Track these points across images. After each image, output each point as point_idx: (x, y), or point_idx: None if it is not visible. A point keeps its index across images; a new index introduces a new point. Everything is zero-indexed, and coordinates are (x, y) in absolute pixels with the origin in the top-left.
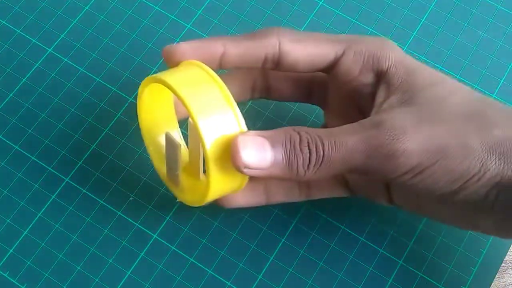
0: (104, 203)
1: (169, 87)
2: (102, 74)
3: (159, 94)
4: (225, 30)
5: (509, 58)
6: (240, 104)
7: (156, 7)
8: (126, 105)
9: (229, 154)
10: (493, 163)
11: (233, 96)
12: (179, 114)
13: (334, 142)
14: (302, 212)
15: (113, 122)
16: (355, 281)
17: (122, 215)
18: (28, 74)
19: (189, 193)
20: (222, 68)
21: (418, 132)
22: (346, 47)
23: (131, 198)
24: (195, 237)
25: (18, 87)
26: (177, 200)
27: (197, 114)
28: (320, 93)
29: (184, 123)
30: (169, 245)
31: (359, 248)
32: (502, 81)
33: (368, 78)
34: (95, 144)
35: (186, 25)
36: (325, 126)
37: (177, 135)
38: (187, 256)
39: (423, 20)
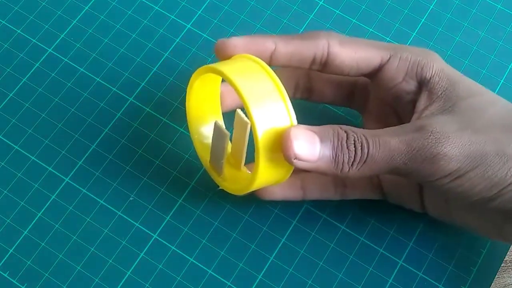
0: (104, 203)
1: (225, 77)
2: (102, 74)
3: (208, 85)
4: (225, 30)
5: (509, 58)
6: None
7: (156, 7)
8: (126, 105)
9: (278, 146)
10: None
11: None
12: (224, 107)
13: (379, 141)
14: (302, 212)
15: (113, 122)
16: (355, 281)
17: (122, 215)
18: (28, 74)
19: (231, 182)
20: (271, 64)
21: (459, 137)
22: (392, 53)
23: (131, 198)
24: (195, 237)
25: (18, 87)
26: (219, 187)
27: (251, 104)
28: (361, 98)
29: (226, 115)
30: (169, 245)
31: (359, 248)
32: (502, 81)
33: (411, 85)
34: (95, 144)
35: (186, 25)
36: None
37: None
38: (187, 256)
39: (423, 20)
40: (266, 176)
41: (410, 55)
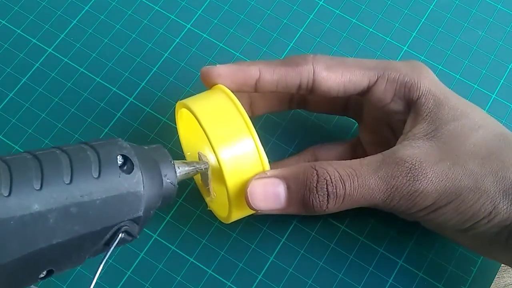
0: None
1: (195, 116)
2: (102, 74)
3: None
4: (225, 30)
5: (509, 58)
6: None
7: (156, 7)
8: (126, 105)
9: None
10: (505, 207)
11: (270, 107)
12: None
13: (357, 181)
14: None
15: (113, 122)
16: (355, 281)
17: None
18: (28, 74)
19: (218, 206)
20: (257, 92)
21: (436, 172)
22: (379, 75)
23: None
24: (195, 237)
25: (18, 87)
26: (208, 208)
27: (220, 151)
28: (356, 108)
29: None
30: (169, 245)
31: (359, 248)
32: (502, 81)
33: (399, 105)
34: None
35: (186, 25)
36: (358, 139)
37: (209, 153)
38: (187, 256)
39: (423, 20)
40: (241, 212)
41: (398, 75)
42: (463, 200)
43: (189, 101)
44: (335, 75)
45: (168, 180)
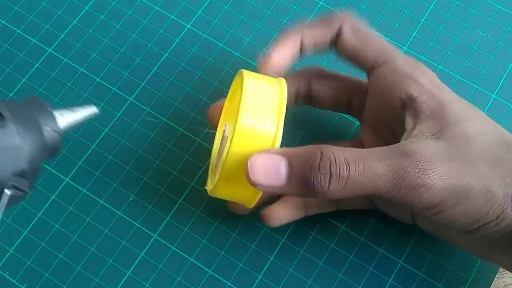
0: (104, 203)
1: (242, 85)
2: (102, 74)
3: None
4: (225, 30)
5: (509, 58)
6: None
7: (156, 7)
8: (126, 105)
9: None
10: None
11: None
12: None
13: (363, 165)
14: None
15: (113, 122)
16: (355, 281)
17: (122, 215)
18: (28, 74)
19: (213, 180)
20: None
21: (445, 169)
22: (386, 60)
23: (131, 198)
24: (195, 237)
25: (18, 87)
26: (205, 187)
27: (241, 118)
28: (359, 106)
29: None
30: (169, 245)
31: (359, 248)
32: (502, 81)
33: (399, 101)
34: (95, 144)
35: (186, 25)
36: (360, 139)
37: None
38: (187, 256)
39: (423, 20)
40: (226, 189)
41: (402, 66)
42: (472, 202)
43: (248, 73)
44: (354, 39)
45: (48, 128)
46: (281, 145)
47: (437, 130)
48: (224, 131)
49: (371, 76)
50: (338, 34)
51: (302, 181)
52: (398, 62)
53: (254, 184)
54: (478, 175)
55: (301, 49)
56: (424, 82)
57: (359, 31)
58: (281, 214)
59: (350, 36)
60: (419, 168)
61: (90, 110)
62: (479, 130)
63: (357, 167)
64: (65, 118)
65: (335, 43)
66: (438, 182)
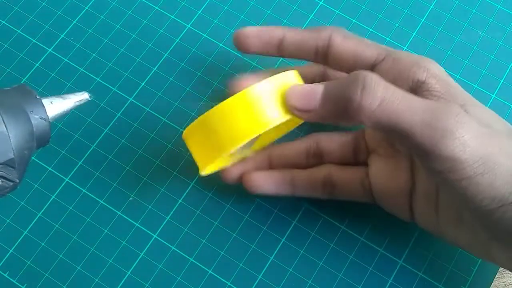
0: (104, 203)
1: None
2: (102, 74)
3: None
4: (225, 30)
5: (509, 58)
6: None
7: (156, 7)
8: (126, 105)
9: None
10: None
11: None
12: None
13: (401, 94)
14: (302, 212)
15: (113, 122)
16: (355, 281)
17: (122, 215)
18: (28, 74)
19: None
20: (280, 53)
21: (480, 134)
22: (387, 53)
23: (131, 198)
24: (195, 237)
25: None
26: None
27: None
28: None
29: None
30: (169, 245)
31: (359, 248)
32: (502, 81)
33: (405, 86)
34: (95, 144)
35: (186, 25)
36: (362, 131)
37: None
38: (187, 256)
39: (423, 20)
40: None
41: (405, 56)
42: (499, 176)
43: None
44: (349, 43)
45: (36, 116)
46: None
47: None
48: (80, 93)
49: (374, 69)
50: (329, 43)
51: (337, 98)
52: (400, 55)
53: (291, 109)
54: (505, 151)
55: (280, 51)
56: (430, 67)
57: (351, 37)
58: (262, 182)
59: (343, 42)
60: (457, 119)
61: (81, 97)
62: (491, 118)
63: (395, 92)
64: (55, 106)
65: (327, 52)
66: (472, 142)
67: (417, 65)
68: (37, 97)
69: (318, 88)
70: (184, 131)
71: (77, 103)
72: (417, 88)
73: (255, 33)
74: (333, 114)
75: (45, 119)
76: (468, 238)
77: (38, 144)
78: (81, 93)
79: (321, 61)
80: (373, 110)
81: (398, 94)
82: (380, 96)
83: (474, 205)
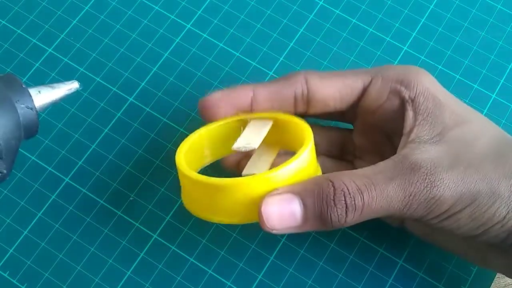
0: (104, 203)
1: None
2: (102, 74)
3: None
4: (225, 30)
5: (509, 58)
6: None
7: (156, 7)
8: (126, 105)
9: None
10: None
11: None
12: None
13: (375, 191)
14: None
15: (113, 122)
16: (355, 281)
17: (122, 215)
18: (28, 74)
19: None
20: (255, 110)
21: (451, 177)
22: (373, 75)
23: (131, 198)
24: (195, 237)
25: None
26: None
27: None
28: (351, 114)
29: None
30: (169, 245)
31: (359, 248)
32: (502, 81)
33: (395, 103)
34: (95, 144)
35: (186, 25)
36: (352, 140)
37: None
38: (187, 256)
39: (423, 20)
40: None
41: (393, 73)
42: (478, 205)
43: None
44: (329, 82)
45: (22, 105)
46: None
47: (435, 133)
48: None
49: (364, 95)
50: (308, 87)
51: (319, 218)
52: (387, 72)
53: (269, 231)
54: (483, 178)
55: (253, 104)
56: (419, 84)
57: (326, 75)
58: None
59: (322, 83)
60: (427, 182)
61: (71, 85)
62: (478, 131)
63: (370, 193)
64: (44, 95)
65: (307, 97)
66: (446, 192)
67: (407, 80)
68: (23, 86)
69: (296, 209)
70: (187, 174)
71: (67, 92)
72: (407, 105)
73: (222, 100)
74: (316, 229)
75: (31, 108)
76: (463, 247)
77: (26, 134)
78: (70, 82)
79: (300, 108)
80: (355, 220)
81: (372, 193)
82: (360, 206)
83: (459, 234)
